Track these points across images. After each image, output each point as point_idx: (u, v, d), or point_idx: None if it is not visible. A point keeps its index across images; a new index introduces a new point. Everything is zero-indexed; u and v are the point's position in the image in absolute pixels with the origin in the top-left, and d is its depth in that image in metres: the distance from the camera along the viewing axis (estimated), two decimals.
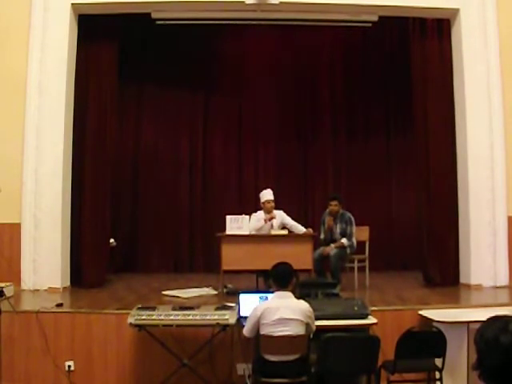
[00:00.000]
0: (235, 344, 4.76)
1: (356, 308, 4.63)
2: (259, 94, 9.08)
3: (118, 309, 5.27)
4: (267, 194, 6.78)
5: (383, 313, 5.10)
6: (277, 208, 6.78)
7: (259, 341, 4.01)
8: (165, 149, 9.09)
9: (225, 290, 6.36)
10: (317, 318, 4.20)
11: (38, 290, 6.41)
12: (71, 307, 5.53)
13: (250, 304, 4.46)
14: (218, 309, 4.69)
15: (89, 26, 6.98)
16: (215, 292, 6.39)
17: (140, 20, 7.25)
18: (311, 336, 4.13)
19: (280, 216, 6.73)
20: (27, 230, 6.53)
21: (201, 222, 8.98)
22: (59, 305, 5.33)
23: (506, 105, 6.89)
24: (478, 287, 6.65)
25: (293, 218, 6.81)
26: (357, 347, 4.07)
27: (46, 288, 6.43)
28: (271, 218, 6.64)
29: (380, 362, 4.19)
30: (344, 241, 6.67)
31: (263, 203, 6.74)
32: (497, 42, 6.91)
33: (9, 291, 5.58)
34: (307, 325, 4.02)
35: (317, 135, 9.24)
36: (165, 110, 9.09)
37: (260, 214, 6.75)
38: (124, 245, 8.59)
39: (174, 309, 4.67)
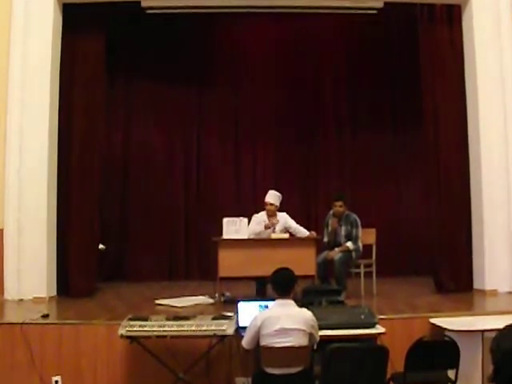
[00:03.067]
0: (234, 356, 4.78)
1: (362, 316, 4.64)
2: (257, 87, 9.08)
3: (108, 319, 5.29)
4: (269, 195, 6.79)
5: (392, 321, 5.12)
6: (279, 210, 6.78)
7: (259, 353, 4.02)
8: (156, 147, 9.09)
9: (222, 299, 6.38)
10: (321, 328, 4.22)
11: (22, 300, 6.42)
12: (58, 318, 5.55)
13: (249, 313, 4.48)
14: (215, 319, 4.70)
15: (74, 16, 6.99)
16: (212, 301, 6.39)
17: (129, 9, 7.27)
18: (315, 347, 4.15)
19: (283, 219, 6.74)
20: (10, 236, 6.54)
21: (196, 225, 8.99)
22: (45, 316, 5.33)
23: None
24: (494, 293, 6.67)
25: (295, 220, 6.81)
26: (364, 358, 4.07)
27: (30, 298, 6.43)
28: (272, 225, 6.64)
29: (389, 375, 4.20)
30: (349, 244, 6.69)
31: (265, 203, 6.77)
32: (510, 28, 6.92)
33: None
34: (310, 335, 4.04)
35: (319, 131, 9.25)
36: (156, 105, 9.09)
37: (262, 216, 6.75)
38: (114, 250, 8.60)
39: (167, 319, 4.68)
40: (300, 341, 3.96)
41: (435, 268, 7.05)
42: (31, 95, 6.66)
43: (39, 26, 6.71)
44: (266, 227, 6.64)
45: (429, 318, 5.16)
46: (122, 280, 8.41)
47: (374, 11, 7.54)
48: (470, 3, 6.98)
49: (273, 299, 4.24)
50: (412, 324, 5.19)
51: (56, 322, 5.28)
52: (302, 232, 6.65)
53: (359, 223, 6.80)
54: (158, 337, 4.50)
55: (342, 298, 5.33)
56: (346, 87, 9.23)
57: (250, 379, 4.44)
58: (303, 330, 3.98)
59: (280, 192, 6.96)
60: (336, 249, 6.69)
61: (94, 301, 6.59)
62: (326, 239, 6.88)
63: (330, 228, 6.86)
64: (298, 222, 6.81)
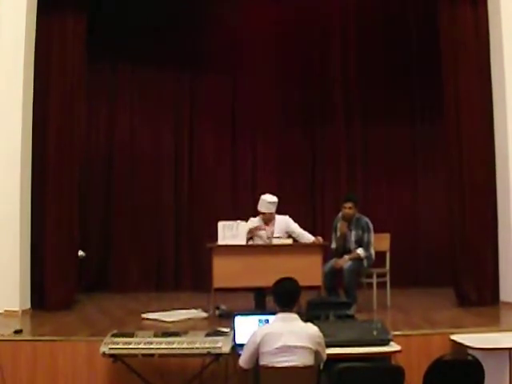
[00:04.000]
0: (230, 377, 4.78)
1: (375, 332, 4.66)
2: (257, 72, 9.09)
3: (88, 335, 5.30)
4: (261, 204, 6.71)
5: (408, 338, 5.14)
6: (280, 213, 6.78)
7: (259, 373, 4.04)
8: (144, 140, 9.10)
9: (217, 312, 6.39)
10: (328, 345, 4.24)
11: None
12: (32, 334, 5.55)
13: (247, 329, 4.51)
14: (208, 335, 4.72)
15: None
16: (205, 314, 6.41)
17: None
18: (321, 367, 4.16)
19: (284, 223, 6.74)
20: None
21: (188, 229, 8.99)
22: (18, 331, 5.34)
23: None
24: None
25: (299, 224, 6.81)
26: (376, 380, 4.09)
27: (1, 311, 6.45)
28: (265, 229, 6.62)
29: None
30: (360, 251, 6.70)
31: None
32: None
33: None
34: (316, 353, 4.05)
35: (327, 122, 9.25)
36: (143, 92, 9.10)
37: (259, 221, 6.76)
38: (96, 258, 8.62)
39: (156, 335, 4.70)
40: (305, 360, 3.97)
41: (457, 278, 7.04)
42: (2, 80, 6.67)
43: (11, 4, 6.73)
44: (258, 229, 6.63)
45: (449, 335, 5.17)
46: (105, 291, 8.41)
47: None
48: None
49: (274, 313, 4.25)
50: (430, 341, 5.20)
51: (30, 338, 5.29)
52: (307, 237, 6.66)
53: (371, 227, 6.80)
54: (144, 355, 4.51)
55: (351, 311, 5.34)
56: (355, 73, 9.22)
57: None
58: (308, 348, 3.99)
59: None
60: (345, 256, 6.70)
61: (72, 314, 6.60)
62: (333, 245, 6.89)
63: (338, 233, 6.87)
64: (302, 226, 6.81)
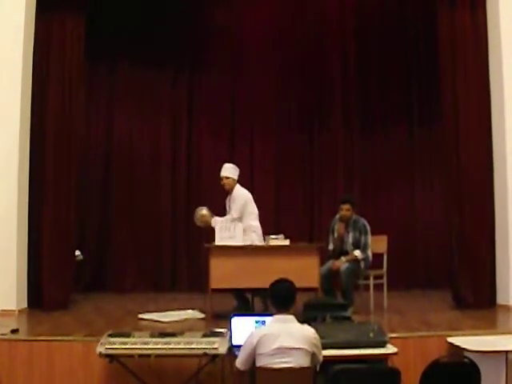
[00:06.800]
0: (226, 378, 4.77)
1: (371, 334, 4.65)
2: (256, 74, 9.12)
3: (85, 335, 5.29)
4: (223, 169, 6.81)
5: (405, 340, 5.13)
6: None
7: (255, 374, 4.03)
8: (142, 141, 9.12)
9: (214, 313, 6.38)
10: (324, 347, 4.23)
11: None
12: (29, 334, 5.55)
13: (244, 330, 4.49)
14: (205, 336, 4.71)
15: None
16: (202, 315, 6.42)
17: None
18: (318, 368, 4.15)
19: (242, 200, 6.73)
20: None
21: (185, 230, 8.99)
22: (14, 331, 5.34)
23: None
24: None
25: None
26: (373, 382, 4.09)
27: None
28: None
29: None
30: (357, 253, 6.69)
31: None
32: None
33: None
34: (313, 355, 4.04)
35: (325, 125, 9.29)
36: (142, 93, 9.12)
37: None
38: (93, 258, 8.61)
39: (152, 335, 4.69)
40: (301, 361, 3.96)
41: (454, 280, 7.06)
42: (1, 81, 6.67)
43: (10, 5, 6.73)
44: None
45: (446, 337, 5.17)
46: (102, 291, 8.41)
47: None
48: None
49: (271, 314, 4.25)
50: (427, 343, 5.20)
51: (27, 337, 5.27)
52: None
53: (368, 229, 6.80)
54: (141, 356, 4.49)
55: (348, 313, 5.35)
56: (354, 75, 9.26)
57: None
58: (305, 349, 3.98)
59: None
60: (342, 258, 6.69)
61: (69, 314, 6.59)
62: (331, 247, 6.89)
63: (335, 234, 6.86)
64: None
